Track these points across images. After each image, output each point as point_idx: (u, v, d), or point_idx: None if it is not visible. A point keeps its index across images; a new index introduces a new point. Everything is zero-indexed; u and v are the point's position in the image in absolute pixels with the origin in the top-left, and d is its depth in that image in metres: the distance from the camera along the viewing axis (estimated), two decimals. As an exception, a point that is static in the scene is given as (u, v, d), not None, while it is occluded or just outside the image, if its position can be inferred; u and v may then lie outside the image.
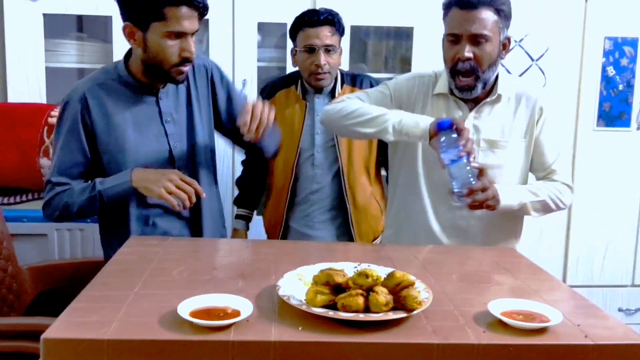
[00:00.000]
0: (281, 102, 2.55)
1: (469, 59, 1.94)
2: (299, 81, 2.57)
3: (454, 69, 1.98)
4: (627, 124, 3.25)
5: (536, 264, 1.82)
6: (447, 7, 2.00)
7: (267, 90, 2.61)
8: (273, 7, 2.97)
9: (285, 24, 2.97)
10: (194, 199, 1.88)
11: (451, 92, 2.05)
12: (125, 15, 1.89)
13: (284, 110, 2.54)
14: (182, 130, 2.04)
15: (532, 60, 3.13)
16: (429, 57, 2.91)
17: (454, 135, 1.82)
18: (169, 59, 1.89)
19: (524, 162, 2.10)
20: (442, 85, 2.09)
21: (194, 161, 2.08)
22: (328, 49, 2.45)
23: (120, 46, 2.88)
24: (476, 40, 1.93)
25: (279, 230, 2.61)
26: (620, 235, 3.34)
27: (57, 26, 3.02)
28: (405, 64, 3.26)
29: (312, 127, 2.53)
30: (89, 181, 1.96)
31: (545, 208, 2.07)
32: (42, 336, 1.15)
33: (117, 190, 1.90)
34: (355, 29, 3.11)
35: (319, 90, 2.54)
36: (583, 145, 3.24)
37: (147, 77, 1.98)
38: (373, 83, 2.55)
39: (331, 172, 2.55)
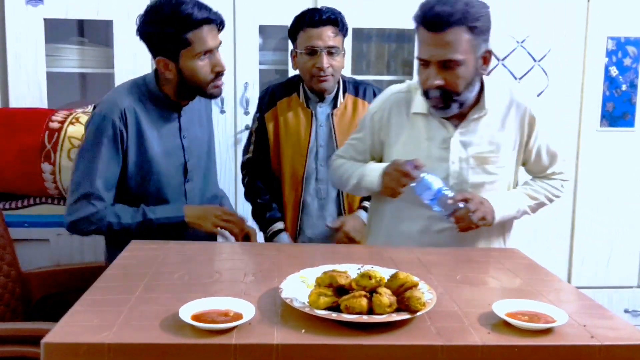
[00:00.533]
0: (283, 112, 2.44)
1: (439, 86, 1.80)
2: (300, 87, 2.45)
3: (426, 93, 1.86)
4: (630, 124, 3.23)
5: (540, 265, 1.80)
6: (415, 23, 1.83)
7: (267, 100, 2.47)
8: (274, 9, 2.97)
9: (286, 27, 2.96)
10: (242, 230, 2.12)
11: (431, 108, 1.93)
12: (154, 51, 2.03)
13: (289, 121, 2.43)
14: (194, 146, 2.19)
15: (535, 61, 3.12)
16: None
17: (422, 175, 1.81)
18: (205, 78, 2.03)
19: (514, 174, 2.04)
20: (420, 104, 1.96)
21: (202, 173, 2.23)
22: (331, 51, 2.32)
23: (121, 51, 2.89)
24: (446, 65, 1.78)
25: None
26: (625, 235, 3.33)
27: (58, 31, 3.02)
28: (407, 67, 3.25)
29: (316, 140, 2.43)
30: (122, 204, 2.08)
31: (541, 207, 2.08)
32: (43, 340, 1.14)
33: (169, 221, 2.05)
34: (357, 32, 3.10)
35: (321, 97, 2.42)
36: (586, 146, 3.23)
37: (178, 97, 2.10)
38: (376, 92, 2.44)
39: (335, 188, 2.44)
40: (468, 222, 1.87)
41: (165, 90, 2.08)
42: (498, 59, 3.09)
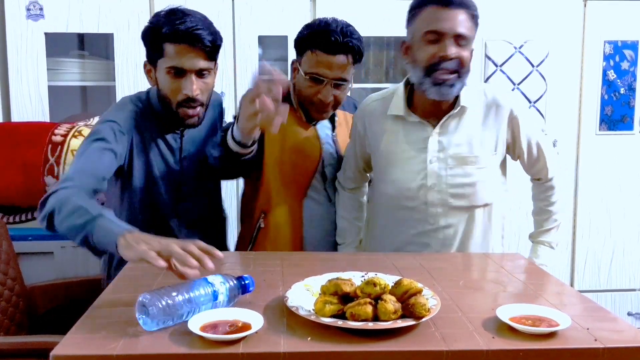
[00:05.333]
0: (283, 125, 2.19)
1: (457, 57, 1.80)
2: (292, 96, 2.13)
3: (435, 66, 1.82)
4: (629, 127, 3.25)
5: (542, 269, 1.82)
6: (418, 7, 1.86)
7: None
8: (273, 20, 2.99)
9: (285, 37, 2.99)
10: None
11: (408, 110, 1.96)
12: (146, 53, 1.93)
13: (289, 135, 2.12)
14: (194, 167, 2.05)
15: (533, 66, 3.14)
16: (429, 65, 2.91)
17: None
18: (172, 96, 1.87)
19: (497, 176, 2.00)
20: (396, 106, 1.96)
21: (203, 194, 2.12)
22: (338, 83, 2.03)
23: (121, 63, 2.91)
24: (458, 42, 1.81)
25: None
26: (627, 238, 3.33)
27: (58, 45, 3.04)
28: (406, 74, 3.25)
29: (322, 160, 2.20)
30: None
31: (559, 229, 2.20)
32: (52, 353, 1.15)
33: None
34: (355, 40, 3.10)
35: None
36: (586, 150, 3.24)
37: (165, 111, 1.97)
38: (355, 104, 2.35)
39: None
40: None
41: (159, 102, 1.96)
42: (496, 65, 3.11)
